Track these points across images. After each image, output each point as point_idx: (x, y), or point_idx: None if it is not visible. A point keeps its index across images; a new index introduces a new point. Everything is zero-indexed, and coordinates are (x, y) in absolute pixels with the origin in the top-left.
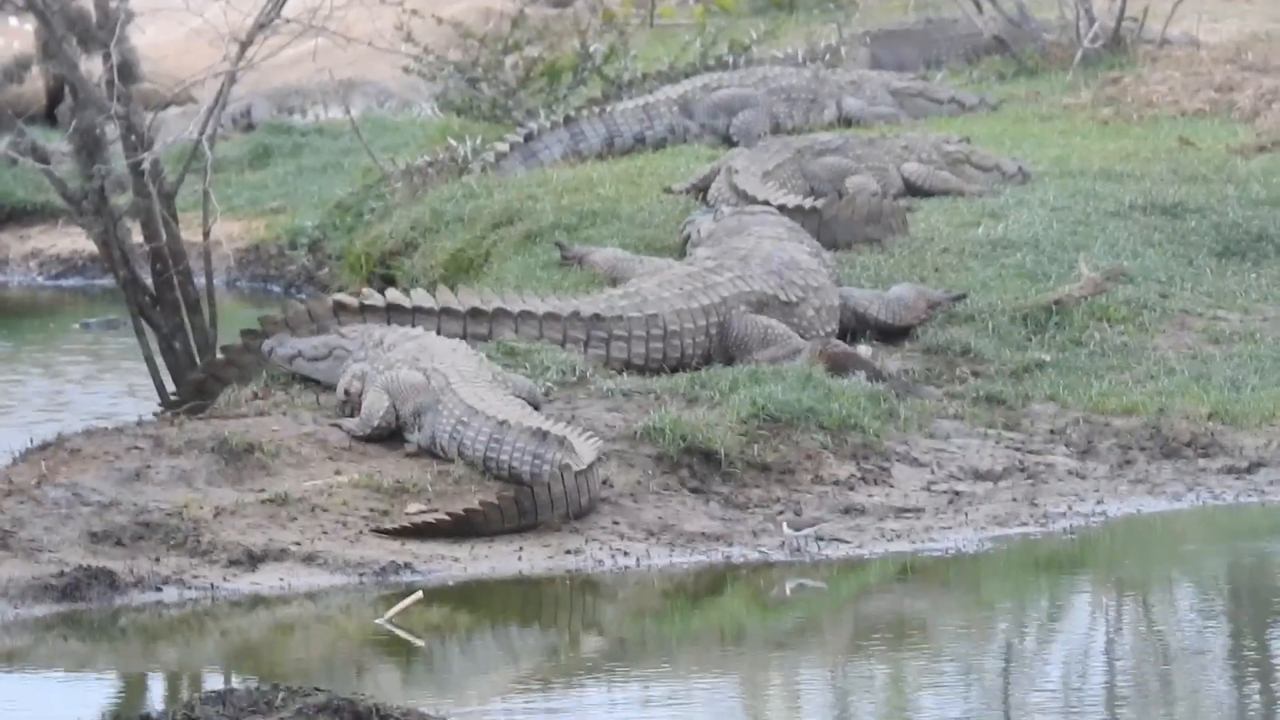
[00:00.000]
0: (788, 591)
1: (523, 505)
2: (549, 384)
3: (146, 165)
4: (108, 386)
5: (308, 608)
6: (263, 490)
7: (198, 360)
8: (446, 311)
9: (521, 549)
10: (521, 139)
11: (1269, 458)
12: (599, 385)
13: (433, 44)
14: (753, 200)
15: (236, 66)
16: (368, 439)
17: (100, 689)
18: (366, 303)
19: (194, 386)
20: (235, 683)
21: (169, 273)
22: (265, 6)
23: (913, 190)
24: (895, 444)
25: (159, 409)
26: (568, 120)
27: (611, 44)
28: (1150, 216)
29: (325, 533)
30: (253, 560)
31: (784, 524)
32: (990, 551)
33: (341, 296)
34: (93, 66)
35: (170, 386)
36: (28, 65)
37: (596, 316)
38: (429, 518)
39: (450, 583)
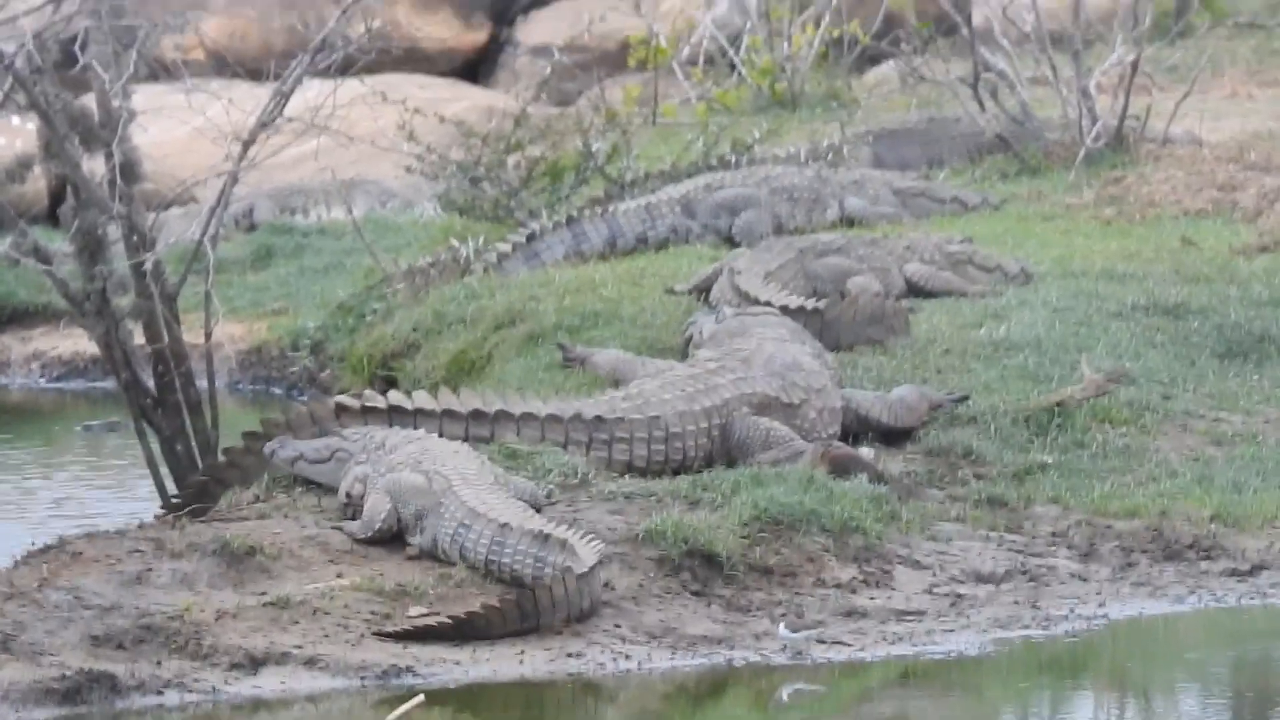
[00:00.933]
0: (784, 697)
1: (524, 608)
2: (551, 486)
3: (148, 266)
4: (109, 489)
5: (309, 711)
6: (264, 593)
7: (199, 463)
8: (448, 413)
9: (523, 652)
10: (524, 239)
11: (1271, 560)
12: (601, 488)
13: (435, 143)
14: (755, 301)
15: (239, 166)
16: (369, 542)
17: None
18: (368, 405)
19: (196, 489)
20: None
21: (171, 375)
22: (267, 105)
23: (915, 291)
24: (897, 546)
25: (161, 511)
26: (570, 220)
27: (614, 143)
28: (1153, 317)
29: (327, 636)
30: (254, 664)
31: (781, 626)
32: (993, 654)
33: (343, 399)
34: (95, 166)
35: (172, 489)
36: (30, 165)
37: (599, 418)
38: (431, 621)
39: (452, 686)
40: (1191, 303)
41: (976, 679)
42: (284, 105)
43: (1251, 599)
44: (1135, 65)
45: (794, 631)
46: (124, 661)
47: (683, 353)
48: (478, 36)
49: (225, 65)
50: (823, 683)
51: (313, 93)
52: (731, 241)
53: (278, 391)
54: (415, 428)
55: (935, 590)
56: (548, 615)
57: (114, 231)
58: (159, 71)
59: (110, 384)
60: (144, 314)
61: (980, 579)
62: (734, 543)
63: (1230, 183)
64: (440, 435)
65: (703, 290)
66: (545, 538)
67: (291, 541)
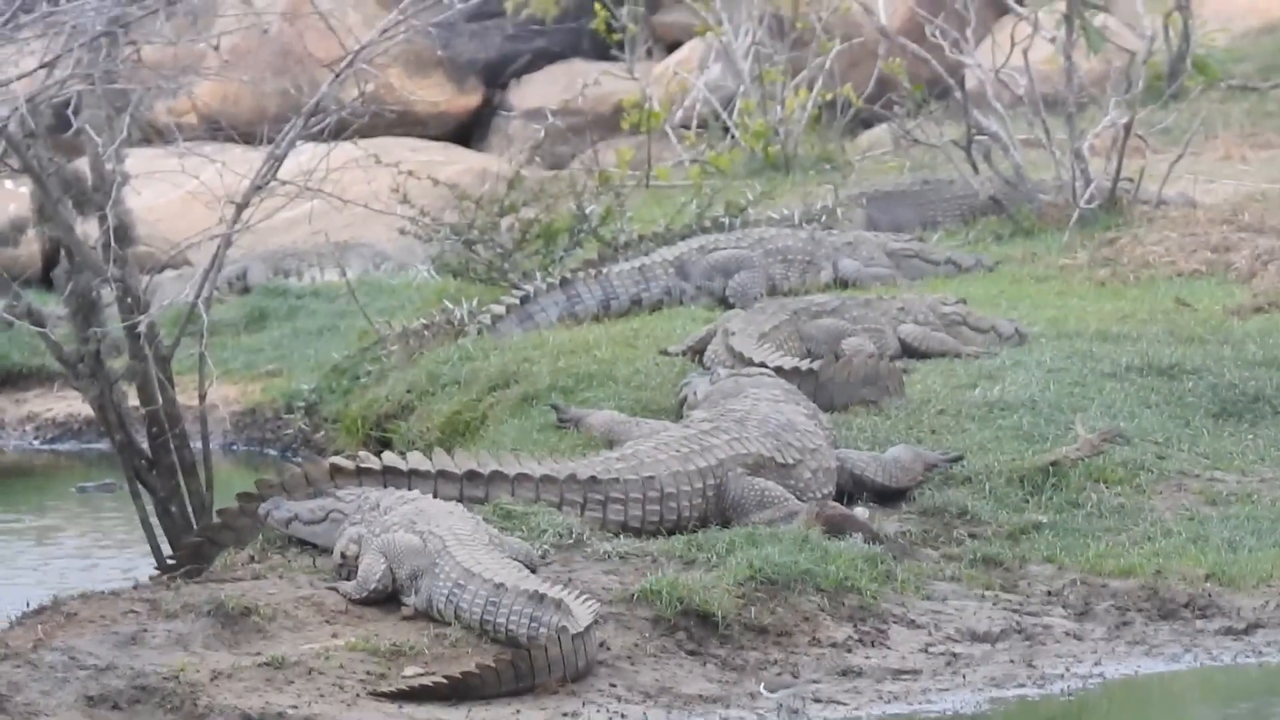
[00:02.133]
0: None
1: (520, 668)
2: (545, 546)
3: (142, 328)
4: (104, 550)
5: None
6: (259, 653)
7: (194, 524)
8: (443, 474)
9: (519, 712)
10: (518, 301)
11: (1266, 619)
12: (595, 548)
13: (429, 206)
14: (749, 362)
15: (232, 229)
16: (364, 602)
17: None
18: (363, 466)
19: (190, 550)
20: None
21: (165, 436)
22: (261, 169)
23: (909, 352)
24: (892, 605)
25: (156, 572)
26: (564, 282)
27: (608, 205)
28: (1147, 378)
29: (322, 695)
30: None
31: (761, 687)
32: (988, 713)
33: (338, 460)
34: (89, 229)
35: (167, 550)
36: (23, 228)
37: (593, 479)
38: (426, 681)
39: None
40: (1186, 363)
41: None
42: (277, 169)
43: (1247, 658)
44: (1129, 128)
45: (772, 691)
46: None
47: (677, 414)
48: (471, 100)
49: (218, 129)
50: None
51: (306, 156)
52: (725, 303)
53: (272, 453)
54: (410, 488)
55: (931, 649)
56: (543, 675)
57: (108, 294)
58: (152, 135)
59: (105, 445)
60: (138, 376)
61: (975, 638)
62: (729, 602)
63: (1224, 244)
64: (435, 496)
65: (697, 351)
66: (540, 597)
67: (286, 602)
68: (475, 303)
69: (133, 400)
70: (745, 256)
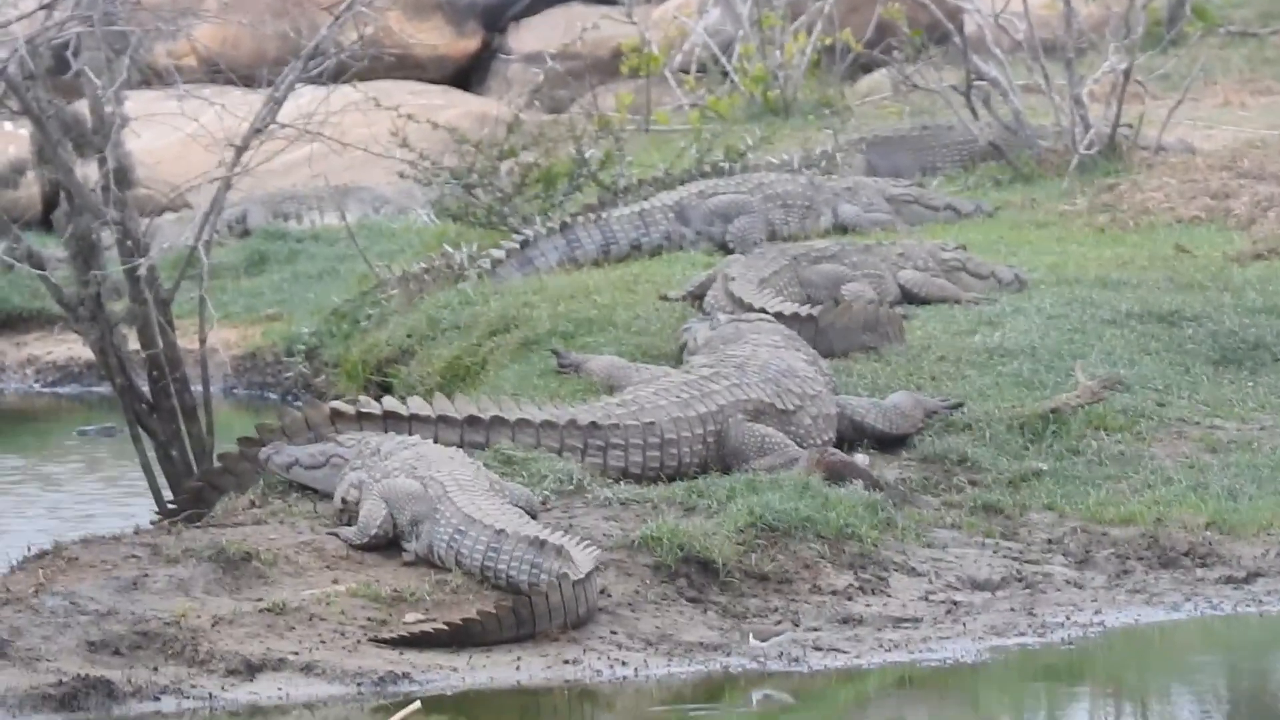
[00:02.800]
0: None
1: (520, 615)
2: (546, 492)
3: (142, 271)
4: (104, 494)
5: (306, 718)
6: (260, 599)
7: (195, 468)
8: (443, 419)
9: (519, 658)
10: (518, 245)
11: (1266, 567)
12: (596, 494)
13: (428, 149)
14: (749, 308)
15: (232, 172)
16: (365, 548)
17: None
18: (364, 411)
19: (191, 494)
20: None
21: (165, 380)
22: (260, 112)
23: (909, 298)
24: (893, 553)
25: (156, 517)
26: (564, 227)
27: (607, 150)
28: (1147, 324)
29: (323, 642)
30: (251, 670)
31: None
32: (989, 662)
33: (338, 404)
34: (88, 172)
35: (167, 494)
36: (23, 170)
37: (593, 425)
38: (427, 627)
39: (448, 693)
40: (1186, 310)
41: (972, 686)
42: (277, 111)
43: (1247, 606)
44: (1128, 73)
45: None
46: (120, 667)
47: (677, 359)
48: (470, 44)
49: (218, 72)
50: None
51: (305, 99)
52: (725, 248)
53: (272, 397)
54: (410, 434)
55: (931, 597)
56: (544, 622)
57: (108, 237)
58: (151, 78)
59: (105, 389)
60: (138, 319)
61: (976, 586)
62: (730, 549)
63: (1223, 190)
64: (435, 441)
65: (697, 297)
66: (541, 544)
67: (287, 547)
68: (475, 247)
69: (133, 344)
70: (745, 201)
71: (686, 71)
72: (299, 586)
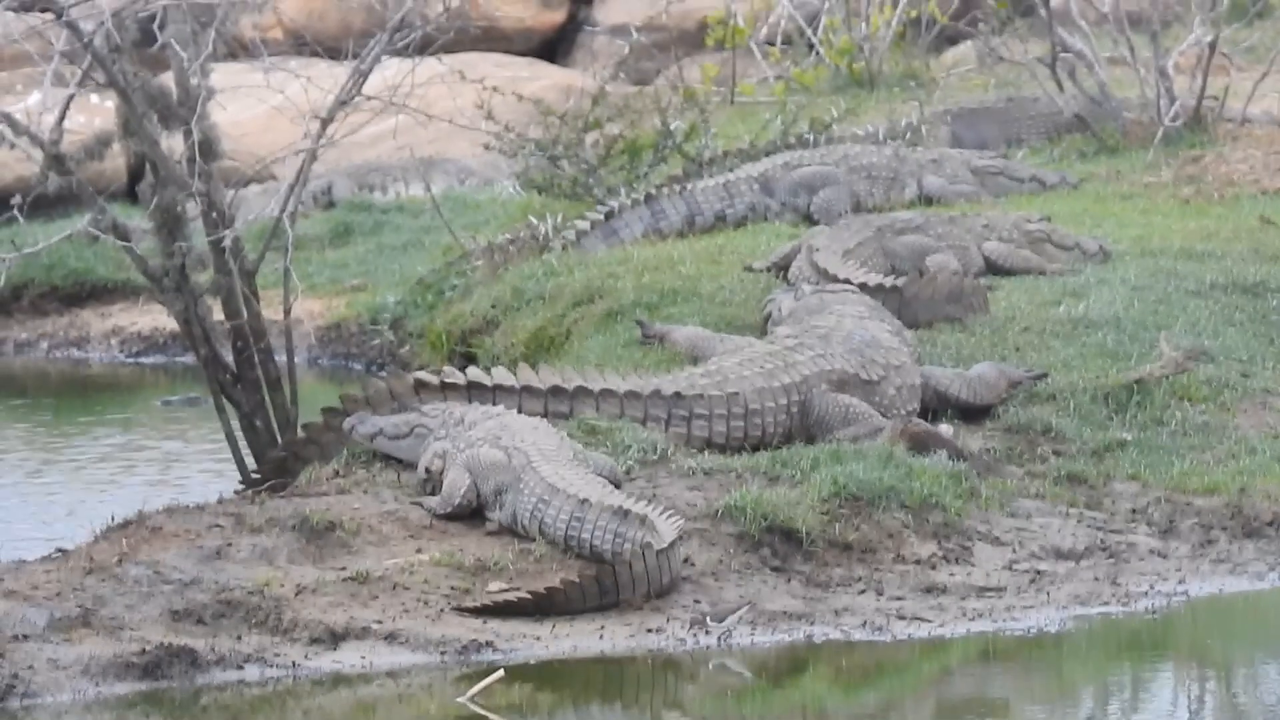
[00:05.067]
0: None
1: (604, 584)
2: (630, 462)
3: (227, 243)
4: (189, 464)
5: (389, 686)
6: (344, 568)
7: (279, 438)
8: (527, 390)
9: (603, 627)
10: (602, 217)
11: None
12: (680, 464)
13: (513, 121)
14: (833, 278)
15: (317, 144)
16: (449, 517)
17: None
18: (447, 381)
19: (275, 464)
20: None
21: (250, 350)
22: (346, 84)
23: (993, 269)
24: (977, 523)
25: (240, 487)
26: (648, 198)
27: (692, 122)
28: (1231, 296)
29: (407, 611)
30: (334, 638)
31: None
32: (1072, 631)
33: (422, 374)
34: (174, 144)
35: (251, 464)
36: (109, 142)
37: (677, 395)
38: (510, 596)
39: (532, 661)
40: (1270, 281)
41: (1056, 655)
42: (362, 84)
43: None
44: (1213, 46)
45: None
46: (204, 636)
47: (761, 330)
48: (556, 16)
49: (304, 44)
50: (904, 657)
51: (391, 71)
52: (810, 219)
53: (357, 367)
54: (494, 404)
55: (1015, 567)
56: (627, 591)
57: (193, 208)
58: (237, 50)
59: (190, 359)
60: (223, 290)
61: (1060, 555)
62: (813, 519)
63: None
64: (519, 411)
65: (781, 268)
66: (625, 513)
67: (371, 517)
68: (560, 218)
69: (218, 314)
70: (830, 173)
71: (772, 43)
72: (382, 556)
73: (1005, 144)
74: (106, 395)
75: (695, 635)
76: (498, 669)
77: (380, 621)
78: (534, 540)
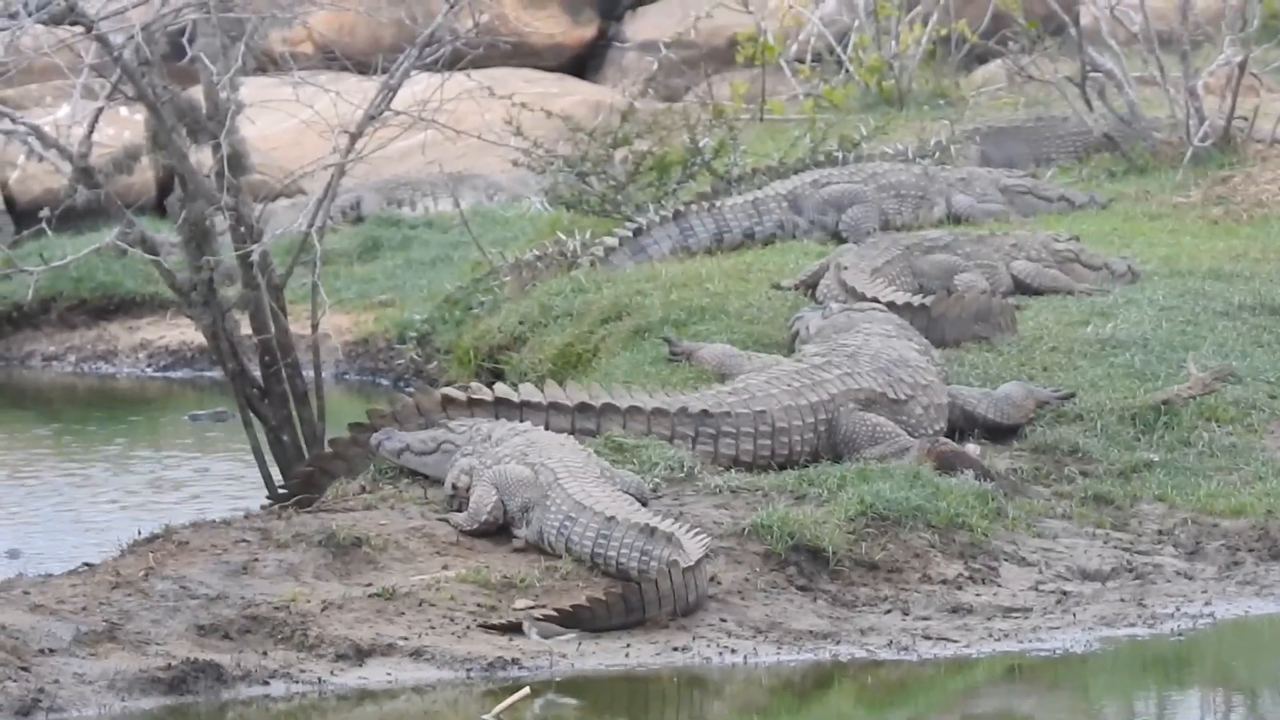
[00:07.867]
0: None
1: (630, 601)
2: (657, 480)
3: (255, 257)
4: (215, 479)
5: (415, 702)
6: (370, 584)
7: (306, 453)
8: (554, 406)
9: (629, 645)
10: (631, 234)
11: None
12: (707, 482)
13: (542, 137)
14: (861, 297)
15: (346, 159)
16: (475, 534)
17: None
18: (475, 397)
19: (302, 479)
20: None
21: (277, 365)
22: (375, 99)
23: (1022, 288)
24: (1003, 543)
25: (267, 502)
26: (677, 215)
27: (721, 139)
28: (1260, 317)
29: (433, 627)
30: (360, 655)
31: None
32: (1098, 652)
33: (450, 391)
34: (202, 157)
35: (278, 479)
36: (137, 156)
37: (705, 413)
38: (536, 613)
39: (558, 678)
40: None
41: (1082, 677)
42: (391, 99)
43: None
44: (1243, 66)
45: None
46: (230, 651)
47: (789, 348)
48: (585, 32)
49: (333, 58)
50: (929, 677)
51: (420, 86)
52: (838, 237)
53: (384, 383)
54: (521, 420)
55: (1041, 587)
56: (653, 608)
57: (221, 222)
58: (267, 64)
59: (217, 374)
60: (250, 304)
61: (1086, 576)
62: (840, 538)
63: None
64: (547, 428)
65: (809, 286)
66: (651, 531)
67: (397, 533)
68: (588, 235)
69: (245, 329)
70: (859, 191)
71: (802, 61)
72: (409, 572)
73: (1034, 163)
74: (134, 409)
75: (723, 654)
76: (523, 686)
77: (406, 638)
78: (560, 557)
